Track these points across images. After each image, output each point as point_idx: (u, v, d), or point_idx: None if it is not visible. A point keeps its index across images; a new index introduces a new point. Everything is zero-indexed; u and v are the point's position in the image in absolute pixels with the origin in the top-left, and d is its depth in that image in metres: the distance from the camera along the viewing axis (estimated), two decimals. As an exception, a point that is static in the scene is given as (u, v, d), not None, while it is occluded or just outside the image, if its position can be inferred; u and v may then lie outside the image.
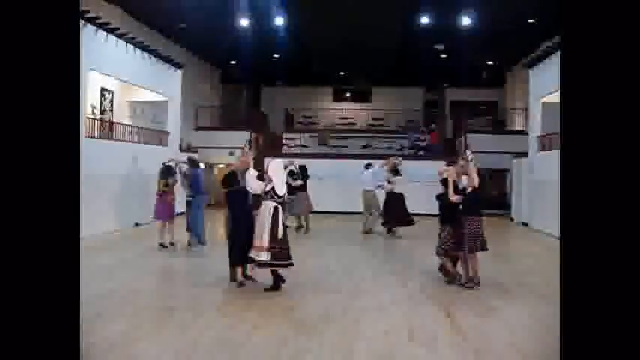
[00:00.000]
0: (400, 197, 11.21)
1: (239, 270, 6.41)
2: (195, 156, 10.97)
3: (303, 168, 11.88)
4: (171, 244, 9.16)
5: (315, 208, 12.18)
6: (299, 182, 11.38)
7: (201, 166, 10.79)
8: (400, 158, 12.29)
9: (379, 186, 11.55)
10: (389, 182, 11.31)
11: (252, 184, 6.21)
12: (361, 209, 11.97)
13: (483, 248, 6.42)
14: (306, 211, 11.77)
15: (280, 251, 5.96)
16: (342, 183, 15.19)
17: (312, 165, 12.98)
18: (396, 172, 11.36)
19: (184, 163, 9.57)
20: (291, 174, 11.16)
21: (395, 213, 11.15)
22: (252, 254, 5.97)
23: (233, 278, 6.38)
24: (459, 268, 6.66)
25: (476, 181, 6.36)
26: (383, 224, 11.55)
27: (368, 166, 11.97)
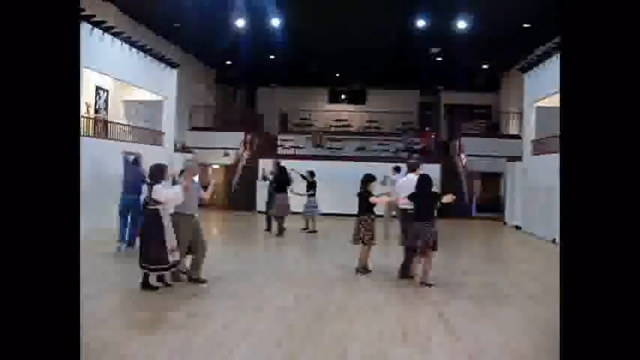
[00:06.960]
0: None
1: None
2: (137, 152, 9.89)
3: (282, 169, 11.70)
4: None
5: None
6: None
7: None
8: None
9: None
10: None
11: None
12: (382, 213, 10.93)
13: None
14: (279, 212, 11.47)
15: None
16: (337, 185, 15.17)
17: (308, 167, 12.96)
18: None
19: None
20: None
21: None
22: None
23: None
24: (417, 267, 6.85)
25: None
26: None
27: (398, 169, 11.16)
